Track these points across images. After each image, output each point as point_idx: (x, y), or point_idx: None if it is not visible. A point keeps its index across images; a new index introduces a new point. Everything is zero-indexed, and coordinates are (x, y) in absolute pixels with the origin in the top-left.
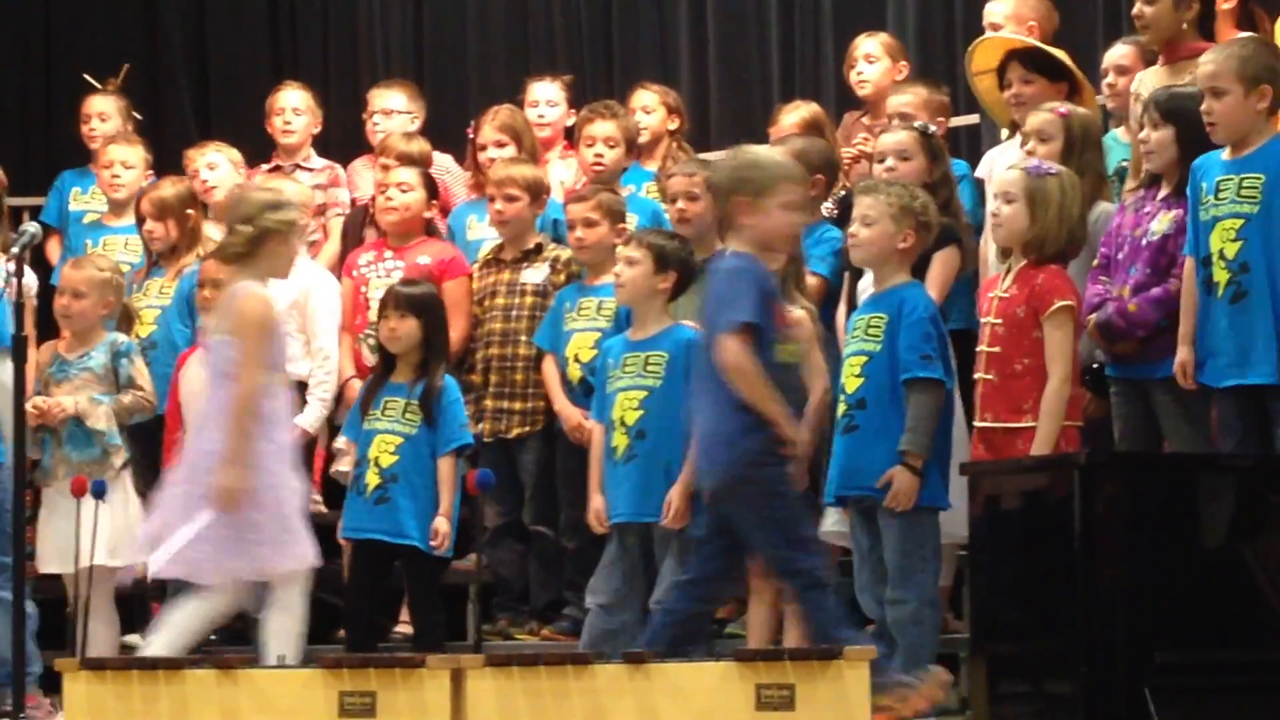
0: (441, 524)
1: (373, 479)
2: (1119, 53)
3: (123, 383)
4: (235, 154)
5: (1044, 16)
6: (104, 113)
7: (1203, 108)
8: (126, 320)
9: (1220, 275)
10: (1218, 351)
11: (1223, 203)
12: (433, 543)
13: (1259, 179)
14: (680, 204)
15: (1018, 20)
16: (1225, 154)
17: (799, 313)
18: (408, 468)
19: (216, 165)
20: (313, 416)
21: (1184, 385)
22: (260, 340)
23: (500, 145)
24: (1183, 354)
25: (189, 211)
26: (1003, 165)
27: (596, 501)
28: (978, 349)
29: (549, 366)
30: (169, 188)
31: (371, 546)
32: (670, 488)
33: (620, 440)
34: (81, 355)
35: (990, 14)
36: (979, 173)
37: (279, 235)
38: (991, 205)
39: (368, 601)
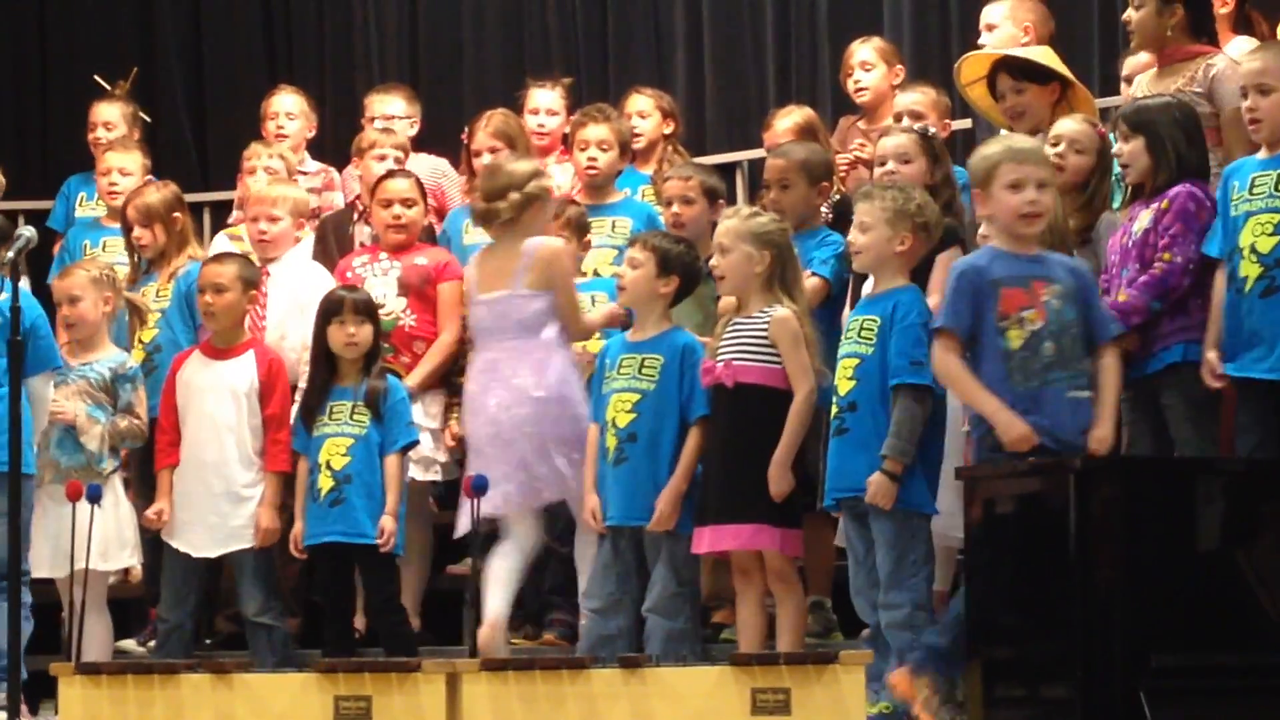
0: (387, 522)
1: (325, 482)
2: (1141, 60)
3: (121, 406)
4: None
5: (1039, 20)
6: (110, 121)
7: (1247, 104)
8: (137, 315)
9: (1249, 270)
10: (1248, 345)
11: (1257, 198)
12: (378, 540)
13: None
14: (675, 208)
15: (1014, 23)
16: (1262, 153)
17: (783, 311)
18: (360, 468)
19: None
20: None
21: (1211, 385)
22: (573, 287)
23: (494, 151)
24: (1210, 357)
25: (175, 215)
26: None
27: (591, 500)
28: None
29: None
30: (154, 193)
31: (334, 550)
32: (658, 492)
33: (611, 441)
34: (84, 364)
35: (987, 15)
36: None
37: (540, 202)
38: (983, 228)
39: (342, 606)
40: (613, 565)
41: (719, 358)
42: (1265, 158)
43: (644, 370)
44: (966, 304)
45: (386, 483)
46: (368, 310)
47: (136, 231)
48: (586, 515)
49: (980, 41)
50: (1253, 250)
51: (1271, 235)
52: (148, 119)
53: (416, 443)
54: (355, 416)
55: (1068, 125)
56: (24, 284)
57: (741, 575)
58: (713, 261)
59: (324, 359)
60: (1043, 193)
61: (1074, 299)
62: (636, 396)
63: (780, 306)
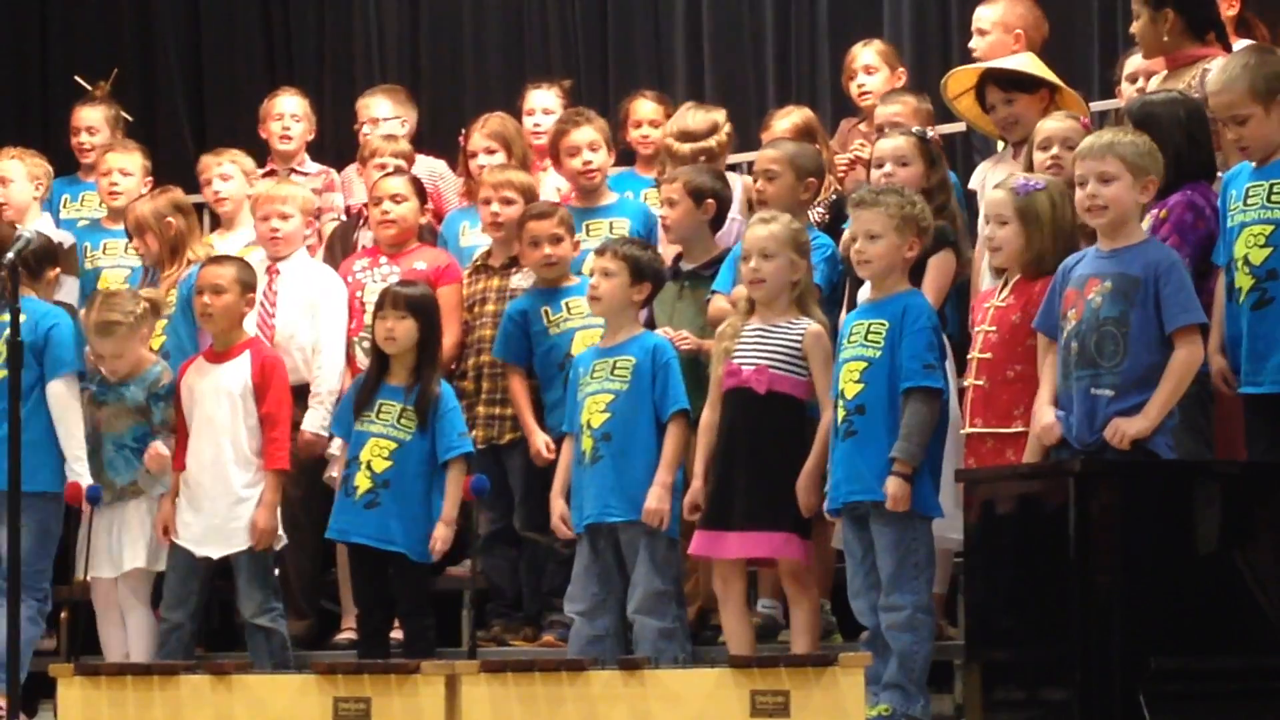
0: (441, 530)
1: (364, 482)
2: (1147, 63)
3: (157, 425)
4: (248, 162)
5: (1032, 25)
6: (93, 126)
7: (1230, 136)
8: (154, 311)
9: (1243, 281)
10: (1246, 359)
11: (1251, 208)
12: (432, 548)
13: None
14: (662, 210)
15: (1004, 28)
16: (1256, 163)
17: (817, 327)
18: (400, 474)
19: (230, 176)
20: (320, 420)
21: (1226, 393)
22: None
23: (490, 152)
24: (1217, 362)
25: (169, 220)
26: (995, 179)
27: (558, 506)
28: (969, 356)
29: (517, 383)
30: (144, 204)
31: (364, 550)
32: (633, 488)
33: (586, 443)
34: (120, 383)
35: (978, 20)
36: (972, 184)
37: None
38: (984, 229)
39: (376, 603)
40: (593, 566)
41: (739, 359)
42: (1258, 168)
43: (616, 372)
44: (1055, 303)
45: (447, 491)
46: (410, 306)
47: (134, 243)
48: (554, 521)
49: (970, 45)
50: (1245, 262)
51: (1263, 247)
52: (129, 118)
53: (471, 452)
54: (403, 420)
55: (1053, 125)
56: (74, 286)
57: (721, 583)
58: (751, 265)
59: (377, 353)
60: (1108, 186)
61: (1131, 294)
62: (610, 397)
63: (812, 320)
